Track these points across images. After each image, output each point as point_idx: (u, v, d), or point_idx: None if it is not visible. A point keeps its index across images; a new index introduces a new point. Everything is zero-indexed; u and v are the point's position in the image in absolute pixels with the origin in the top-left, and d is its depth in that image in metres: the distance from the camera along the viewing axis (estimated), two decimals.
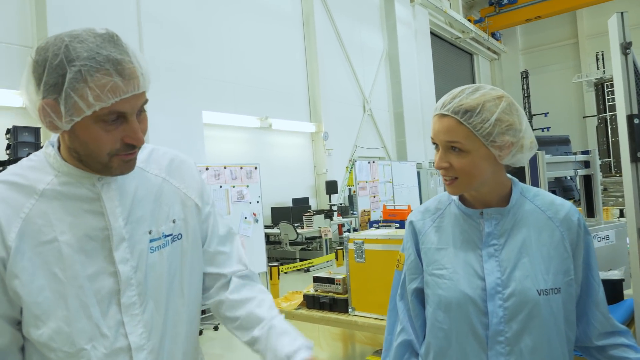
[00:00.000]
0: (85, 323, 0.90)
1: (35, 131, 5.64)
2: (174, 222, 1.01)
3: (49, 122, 0.84)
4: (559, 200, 1.12)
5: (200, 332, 5.15)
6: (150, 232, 0.97)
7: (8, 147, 5.45)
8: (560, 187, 3.42)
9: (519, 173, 2.65)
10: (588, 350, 1.15)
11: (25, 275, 0.87)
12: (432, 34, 16.32)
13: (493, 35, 20.16)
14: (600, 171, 9.91)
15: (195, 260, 1.06)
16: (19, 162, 0.95)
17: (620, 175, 1.76)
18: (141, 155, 1.00)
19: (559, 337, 1.05)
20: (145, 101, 0.90)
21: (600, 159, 10.70)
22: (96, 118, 0.83)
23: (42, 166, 0.93)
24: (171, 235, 1.00)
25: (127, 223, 0.94)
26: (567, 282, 1.06)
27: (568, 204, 1.11)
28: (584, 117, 18.74)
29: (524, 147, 1.05)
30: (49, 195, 0.90)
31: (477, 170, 1.04)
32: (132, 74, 0.84)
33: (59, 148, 0.95)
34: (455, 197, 1.15)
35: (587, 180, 2.97)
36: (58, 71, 0.81)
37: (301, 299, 2.85)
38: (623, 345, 1.10)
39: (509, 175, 1.13)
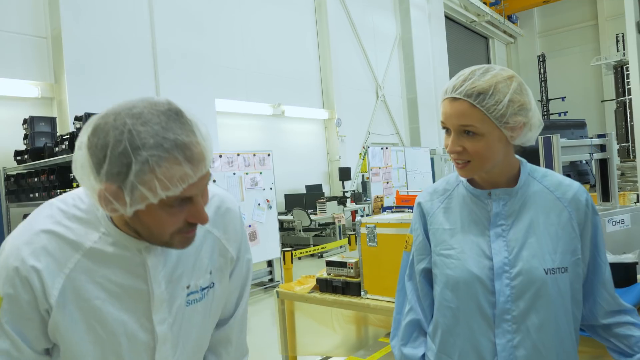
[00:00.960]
0: None
1: (52, 121, 5.73)
2: (210, 273, 1.00)
3: (110, 207, 0.79)
4: (567, 180, 1.12)
5: None
6: (188, 287, 0.96)
7: (25, 137, 5.56)
8: (575, 171, 3.38)
9: (532, 156, 2.62)
10: (594, 329, 1.15)
11: (65, 328, 0.87)
12: (447, 17, 16.06)
13: (509, 18, 19.74)
14: (618, 156, 9.70)
15: (221, 303, 1.07)
16: (67, 204, 0.90)
17: None
18: None
19: (566, 316, 1.06)
20: (210, 177, 0.85)
21: (618, 143, 10.50)
22: (161, 204, 0.79)
23: (91, 219, 0.89)
24: (207, 287, 1.00)
25: (168, 283, 0.93)
26: (574, 262, 1.06)
27: (576, 184, 1.11)
28: (602, 101, 18.33)
29: (534, 126, 1.05)
30: (94, 254, 0.88)
31: (490, 153, 1.04)
32: (200, 157, 0.79)
33: None
34: (464, 178, 1.15)
35: (603, 164, 2.93)
36: (122, 160, 0.74)
37: (314, 282, 2.89)
38: (628, 323, 1.10)
39: (517, 155, 1.13)
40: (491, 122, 1.01)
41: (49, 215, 0.88)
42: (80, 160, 0.78)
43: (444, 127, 1.08)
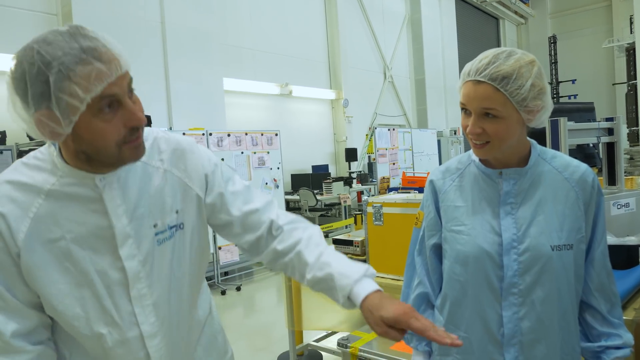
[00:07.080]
0: (100, 311, 0.96)
1: None
2: (177, 212, 1.03)
3: (49, 132, 0.84)
4: (575, 162, 1.16)
5: (224, 292, 5.36)
6: (155, 226, 1.00)
7: None
8: (582, 155, 3.39)
9: (539, 139, 2.64)
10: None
11: (38, 270, 0.91)
12: None
13: None
14: (628, 140, 9.55)
15: (196, 246, 1.08)
16: (28, 157, 0.97)
17: None
18: None
19: (569, 290, 1.11)
20: (131, 80, 0.89)
21: (628, 127, 10.37)
22: (92, 111, 0.83)
23: (48, 166, 0.94)
24: (175, 226, 1.03)
25: (131, 220, 0.96)
26: (578, 239, 1.11)
27: (584, 165, 1.15)
28: (613, 84, 18.09)
29: (548, 109, 1.09)
30: (54, 196, 0.92)
31: (509, 135, 1.07)
32: (110, 57, 0.84)
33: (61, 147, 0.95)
34: (476, 158, 1.19)
35: (610, 147, 2.93)
36: (40, 78, 0.80)
37: None
38: (601, 314, 1.14)
39: (527, 137, 1.17)
40: (512, 106, 1.04)
41: (12, 168, 0.95)
42: (10, 100, 0.83)
43: (463, 108, 1.10)
